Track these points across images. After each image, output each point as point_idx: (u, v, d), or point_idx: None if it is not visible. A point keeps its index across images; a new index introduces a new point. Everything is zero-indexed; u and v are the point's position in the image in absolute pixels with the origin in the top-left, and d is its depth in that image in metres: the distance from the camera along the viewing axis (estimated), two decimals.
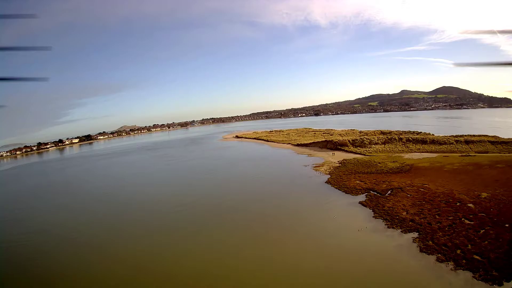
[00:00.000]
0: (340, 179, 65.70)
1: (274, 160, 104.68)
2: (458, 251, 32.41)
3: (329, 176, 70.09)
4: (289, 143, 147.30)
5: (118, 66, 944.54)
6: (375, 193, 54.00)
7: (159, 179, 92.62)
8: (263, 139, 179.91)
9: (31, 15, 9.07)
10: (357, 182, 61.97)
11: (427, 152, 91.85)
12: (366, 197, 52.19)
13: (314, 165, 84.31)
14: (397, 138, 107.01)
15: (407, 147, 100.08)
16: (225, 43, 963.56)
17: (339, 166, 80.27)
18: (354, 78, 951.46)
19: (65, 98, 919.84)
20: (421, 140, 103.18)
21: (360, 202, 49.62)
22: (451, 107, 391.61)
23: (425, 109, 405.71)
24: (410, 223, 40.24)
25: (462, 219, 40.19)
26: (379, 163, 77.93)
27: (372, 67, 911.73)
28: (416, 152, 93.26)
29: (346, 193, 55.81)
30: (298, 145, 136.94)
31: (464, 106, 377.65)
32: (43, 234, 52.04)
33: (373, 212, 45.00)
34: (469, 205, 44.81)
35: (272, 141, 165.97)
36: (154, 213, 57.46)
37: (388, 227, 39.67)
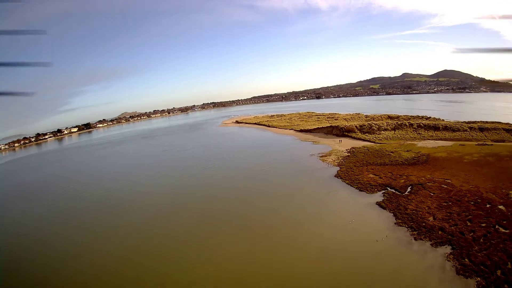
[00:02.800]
0: (351, 172, 59.53)
1: (277, 148, 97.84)
2: (499, 272, 27.14)
3: (338, 168, 63.88)
4: (292, 129, 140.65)
5: (118, 53, 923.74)
6: (393, 190, 47.97)
7: (150, 173, 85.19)
8: (264, 125, 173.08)
9: (40, 31, 9.85)
10: (371, 176, 55.83)
11: (441, 139, 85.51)
12: (383, 196, 46.07)
13: (321, 155, 77.98)
14: (407, 124, 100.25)
15: (419, 133, 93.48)
16: (225, 27, 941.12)
17: (348, 155, 73.99)
18: (355, 60, 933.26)
19: (65, 87, 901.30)
20: (433, 127, 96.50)
21: (378, 203, 43.45)
22: (453, 90, 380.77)
23: (428, 92, 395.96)
24: (440, 232, 34.44)
25: (496, 226, 34.85)
26: (391, 152, 71.65)
27: (373, 50, 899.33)
28: (429, 139, 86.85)
29: (360, 190, 49.57)
30: (301, 131, 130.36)
31: (467, 90, 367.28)
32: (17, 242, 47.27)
33: (394, 217, 38.99)
34: (500, 207, 39.54)
35: (274, 127, 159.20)
36: (139, 214, 53.14)
37: (414, 239, 33.74)
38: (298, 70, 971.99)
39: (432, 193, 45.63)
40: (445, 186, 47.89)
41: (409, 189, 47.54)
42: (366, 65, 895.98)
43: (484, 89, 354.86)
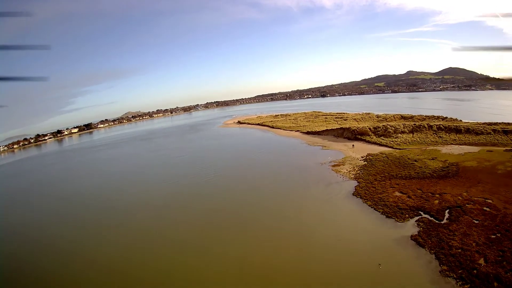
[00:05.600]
0: (373, 188, 50.09)
1: (282, 155, 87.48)
2: None
3: (355, 182, 54.45)
4: (298, 130, 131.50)
5: (122, 53, 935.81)
6: (428, 216, 38.71)
7: (139, 182, 77.58)
8: (267, 125, 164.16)
9: (26, 12, 8.88)
10: (397, 194, 46.52)
11: (465, 144, 76.25)
12: (418, 225, 36.63)
13: (333, 163, 68.71)
14: (426, 126, 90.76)
15: (440, 137, 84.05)
16: (229, 25, 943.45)
17: (365, 165, 64.67)
18: (359, 58, 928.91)
19: (69, 86, 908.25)
20: (455, 129, 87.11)
21: (413, 238, 33.81)
22: (459, 88, 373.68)
23: (434, 90, 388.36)
24: (496, 284, 25.75)
25: None
26: (415, 161, 62.36)
27: (377, 48, 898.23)
28: (452, 144, 77.58)
29: (387, 216, 39.87)
30: (308, 133, 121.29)
31: (473, 88, 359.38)
32: None
33: (437, 261, 29.66)
34: None
35: (278, 128, 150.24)
36: (135, 218, 51.04)
37: None
38: (303, 68, 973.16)
39: (476, 220, 36.71)
40: (488, 209, 38.99)
41: (447, 215, 38.36)
42: (370, 63, 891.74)
43: (490, 87, 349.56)
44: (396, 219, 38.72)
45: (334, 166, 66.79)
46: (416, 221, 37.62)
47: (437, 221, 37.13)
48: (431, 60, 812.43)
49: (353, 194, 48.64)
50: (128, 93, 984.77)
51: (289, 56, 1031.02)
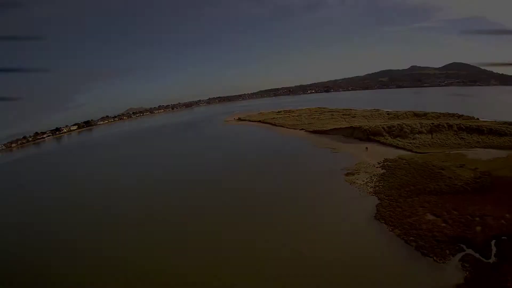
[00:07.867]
0: (398, 208, 41.35)
1: (284, 160, 78.13)
2: None
3: (376, 198, 45.93)
4: (303, 129, 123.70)
5: (124, 49, 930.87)
6: (473, 252, 30.74)
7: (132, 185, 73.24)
8: (269, 123, 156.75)
9: (38, 36, 16.52)
10: (430, 217, 37.91)
11: (490, 147, 68.13)
12: (463, 267, 28.53)
13: (345, 171, 60.52)
14: (446, 125, 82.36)
15: (462, 139, 75.90)
16: (230, 20, 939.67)
17: (384, 173, 56.37)
18: (362, 53, 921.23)
19: (72, 83, 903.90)
20: (477, 129, 78.94)
21: None
22: (464, 83, 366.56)
23: (439, 85, 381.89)
24: None
25: None
26: (441, 169, 53.96)
27: (381, 43, 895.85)
28: (477, 146, 69.60)
29: (422, 253, 31.12)
30: (314, 131, 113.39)
31: (478, 83, 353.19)
32: None
33: None
34: None
35: (281, 125, 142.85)
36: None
37: None
38: (306, 63, 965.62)
39: None
40: None
41: (494, 248, 30.62)
42: (373, 58, 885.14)
43: (494, 82, 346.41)
44: (434, 257, 30.35)
45: (347, 175, 58.79)
46: (459, 260, 29.56)
47: (483, 259, 29.40)
48: (434, 55, 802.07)
49: (375, 218, 39.95)
50: (130, 89, 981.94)
51: (292, 51, 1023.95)
